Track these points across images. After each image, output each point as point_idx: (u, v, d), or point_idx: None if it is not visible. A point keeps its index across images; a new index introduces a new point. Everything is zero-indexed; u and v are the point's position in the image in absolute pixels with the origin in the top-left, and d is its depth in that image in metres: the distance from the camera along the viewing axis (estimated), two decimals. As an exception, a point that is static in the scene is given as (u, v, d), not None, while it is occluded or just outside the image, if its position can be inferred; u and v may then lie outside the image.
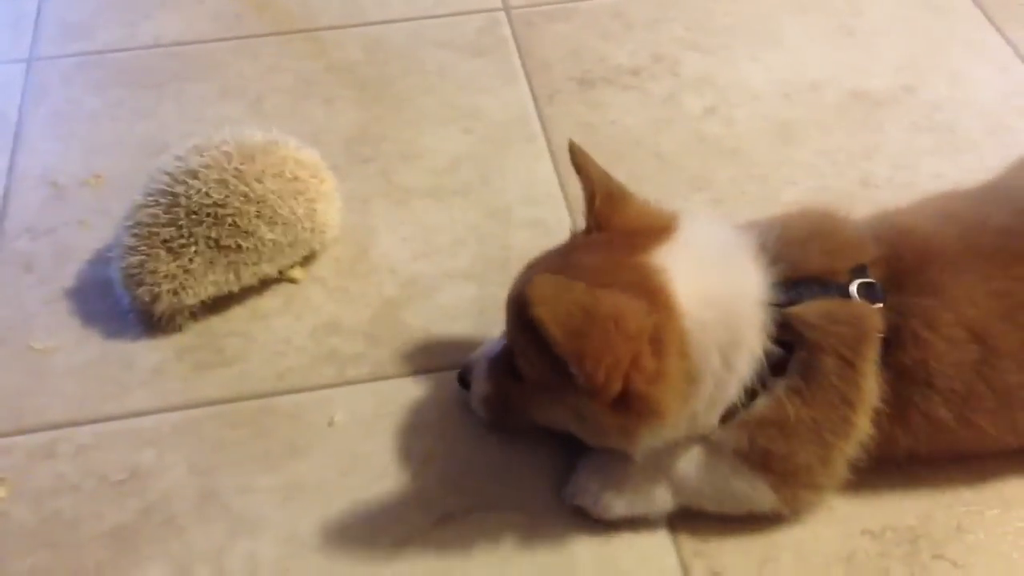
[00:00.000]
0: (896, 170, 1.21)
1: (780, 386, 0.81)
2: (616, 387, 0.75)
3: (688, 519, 0.90)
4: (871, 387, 0.81)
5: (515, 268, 0.90)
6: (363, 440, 0.97)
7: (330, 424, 0.99)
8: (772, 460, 0.83)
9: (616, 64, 1.36)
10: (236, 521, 0.92)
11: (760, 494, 0.86)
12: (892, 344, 0.82)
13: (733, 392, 0.80)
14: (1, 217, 1.19)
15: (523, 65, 1.37)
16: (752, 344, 0.79)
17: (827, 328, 0.81)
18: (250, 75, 1.37)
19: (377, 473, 0.95)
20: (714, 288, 0.79)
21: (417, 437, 0.97)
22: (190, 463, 0.96)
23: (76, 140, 1.28)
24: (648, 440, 0.81)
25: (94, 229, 1.16)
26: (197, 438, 0.98)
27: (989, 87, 1.32)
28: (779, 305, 0.81)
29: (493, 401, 0.93)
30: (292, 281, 1.11)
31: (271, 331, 1.07)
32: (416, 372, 1.03)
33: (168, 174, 1.04)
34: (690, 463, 0.86)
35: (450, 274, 1.11)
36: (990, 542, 0.89)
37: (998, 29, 1.39)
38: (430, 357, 1.04)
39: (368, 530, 0.91)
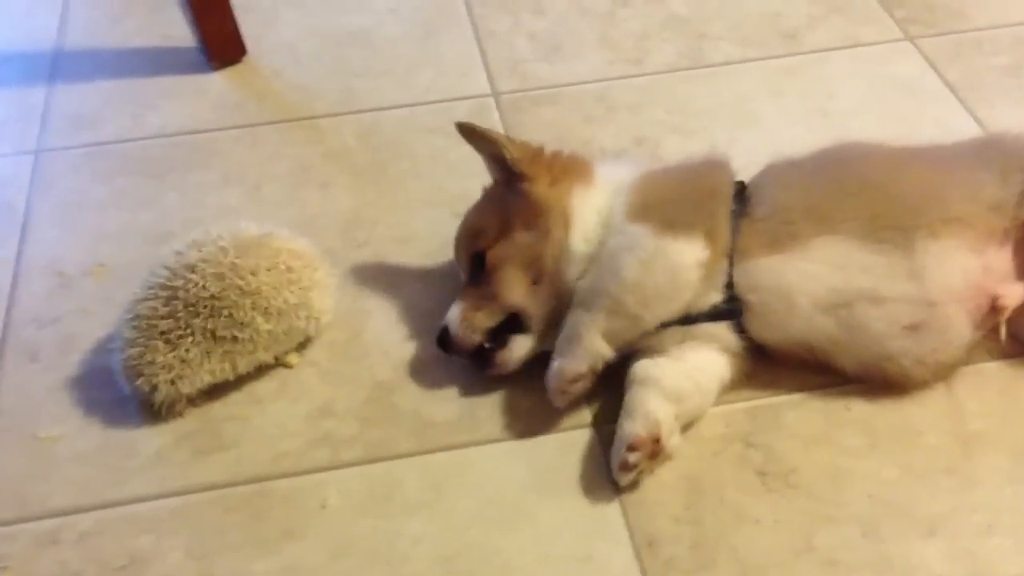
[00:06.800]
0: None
1: None
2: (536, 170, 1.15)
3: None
4: None
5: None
6: (356, 522, 1.00)
7: (323, 507, 1.02)
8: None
9: (600, 146, 1.41)
10: (232, 605, 0.95)
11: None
12: None
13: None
14: (9, 306, 1.23)
15: (511, 149, 1.42)
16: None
17: None
18: (250, 162, 1.42)
19: (369, 555, 0.98)
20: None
21: (408, 518, 1.00)
22: (187, 548, 0.99)
23: (82, 229, 1.33)
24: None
25: (97, 317, 1.21)
26: (195, 523, 1.01)
27: (960, 164, 1.36)
28: None
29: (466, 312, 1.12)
30: (287, 366, 1.15)
31: (267, 415, 1.10)
32: (408, 454, 1.06)
33: (167, 268, 1.09)
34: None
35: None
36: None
37: (968, 110, 1.42)
38: (421, 439, 1.07)
39: (359, 612, 0.94)
